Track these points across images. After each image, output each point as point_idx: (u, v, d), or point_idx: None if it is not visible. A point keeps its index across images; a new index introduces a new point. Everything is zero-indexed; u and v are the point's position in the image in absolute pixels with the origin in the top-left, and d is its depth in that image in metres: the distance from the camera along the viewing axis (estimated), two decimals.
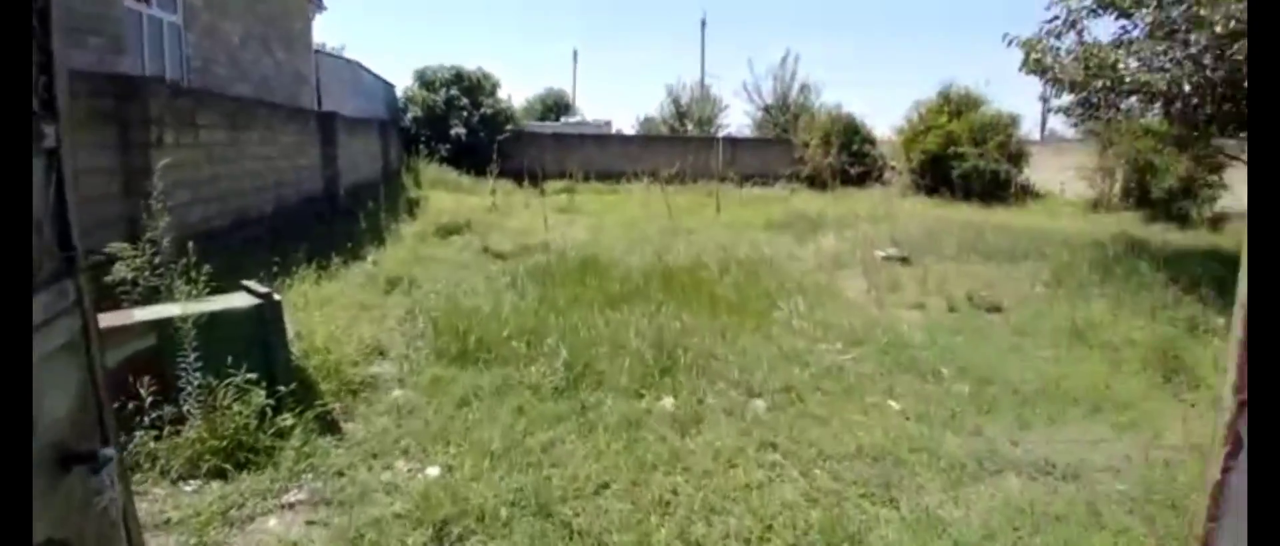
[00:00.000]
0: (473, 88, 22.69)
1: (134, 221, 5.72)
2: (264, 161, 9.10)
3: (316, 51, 17.07)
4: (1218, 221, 13.93)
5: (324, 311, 4.97)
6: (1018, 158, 18.87)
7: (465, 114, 22.08)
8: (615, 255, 8.83)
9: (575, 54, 41.59)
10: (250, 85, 11.46)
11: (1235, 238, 12.37)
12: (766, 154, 25.29)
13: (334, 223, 9.32)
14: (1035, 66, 9.03)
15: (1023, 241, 10.43)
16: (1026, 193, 19.19)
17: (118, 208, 5.53)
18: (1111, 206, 16.23)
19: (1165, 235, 12.18)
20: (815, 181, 23.11)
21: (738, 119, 32.12)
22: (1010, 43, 9.18)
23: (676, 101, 31.99)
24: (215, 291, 3.74)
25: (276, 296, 3.38)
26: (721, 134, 30.88)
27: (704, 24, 34.66)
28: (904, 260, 8.97)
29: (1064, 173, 19.63)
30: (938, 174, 19.52)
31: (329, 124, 12.26)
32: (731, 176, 21.04)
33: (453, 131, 21.69)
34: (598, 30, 67.49)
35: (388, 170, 17.89)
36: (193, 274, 3.51)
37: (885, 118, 39.98)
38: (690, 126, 31.73)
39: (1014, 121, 19.18)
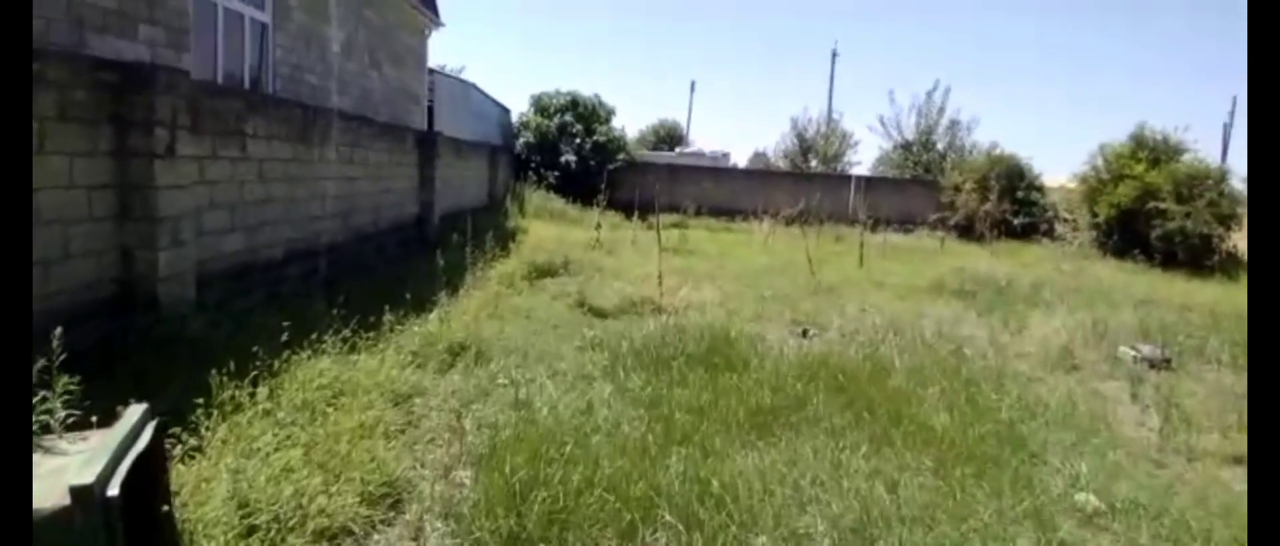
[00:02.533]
0: (587, 114, 21.57)
1: (128, 253, 4.34)
2: (343, 182, 7.86)
3: (431, 71, 16.42)
4: None
5: (327, 422, 3.24)
6: (1227, 219, 15.04)
7: (577, 141, 20.94)
8: (747, 323, 6.79)
9: (692, 85, 40.25)
10: (350, 99, 10.50)
11: None
12: (907, 196, 22.40)
13: (416, 255, 7.89)
14: None
15: None
16: (1234, 261, 15.28)
17: (106, 234, 4.17)
18: None
19: None
20: (968, 231, 19.94)
21: (868, 155, 29.28)
22: None
23: (801, 136, 29.63)
24: (129, 398, 2.10)
25: (112, 491, 1.59)
26: (852, 172, 28.24)
27: (835, 55, 32.20)
28: (1163, 364, 6.28)
29: None
30: (1130, 232, 16.00)
31: (429, 144, 11.11)
32: (864, 219, 18.48)
33: (563, 158, 20.57)
34: (718, 60, 66.13)
35: (494, 196, 16.85)
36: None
37: (1049, 162, 35.28)
38: (814, 162, 29.24)
39: (1224, 175, 15.36)
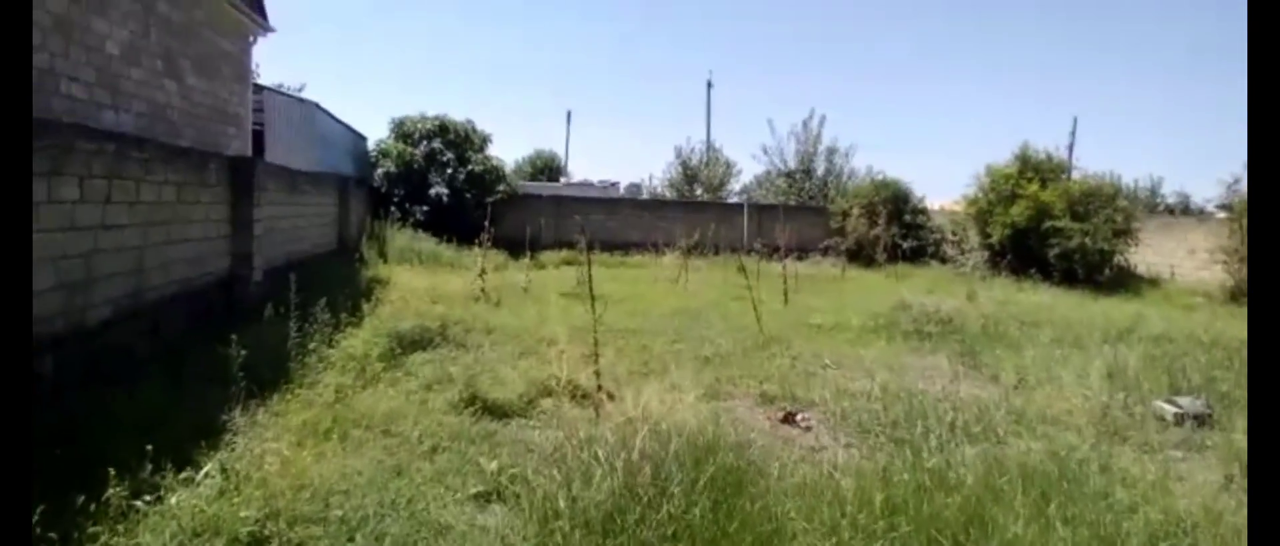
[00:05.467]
0: (459, 141, 19.06)
1: None
2: (86, 233, 5.15)
3: (261, 87, 13.42)
4: None
5: None
6: (1123, 234, 15.45)
7: (449, 171, 18.36)
8: (706, 404, 4.90)
9: (569, 115, 38.76)
10: (131, 115, 7.65)
11: None
12: (799, 223, 21.76)
13: (216, 334, 5.23)
14: None
15: None
16: (1131, 277, 15.74)
17: None
18: None
19: None
20: (858, 256, 19.60)
21: (748, 181, 28.93)
22: None
23: (686, 164, 28.71)
24: None
25: None
26: (734, 199, 27.66)
27: (711, 85, 31.89)
28: (1205, 419, 5.12)
29: (1174, 254, 16.27)
30: (1025, 251, 16.04)
31: (245, 174, 8.37)
32: (759, 248, 17.53)
33: (433, 191, 17.90)
34: (593, 89, 65.14)
35: (346, 239, 13.94)
36: None
37: (928, 186, 36.89)
38: (700, 191, 28.41)
39: (1118, 192, 15.83)
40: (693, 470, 3.18)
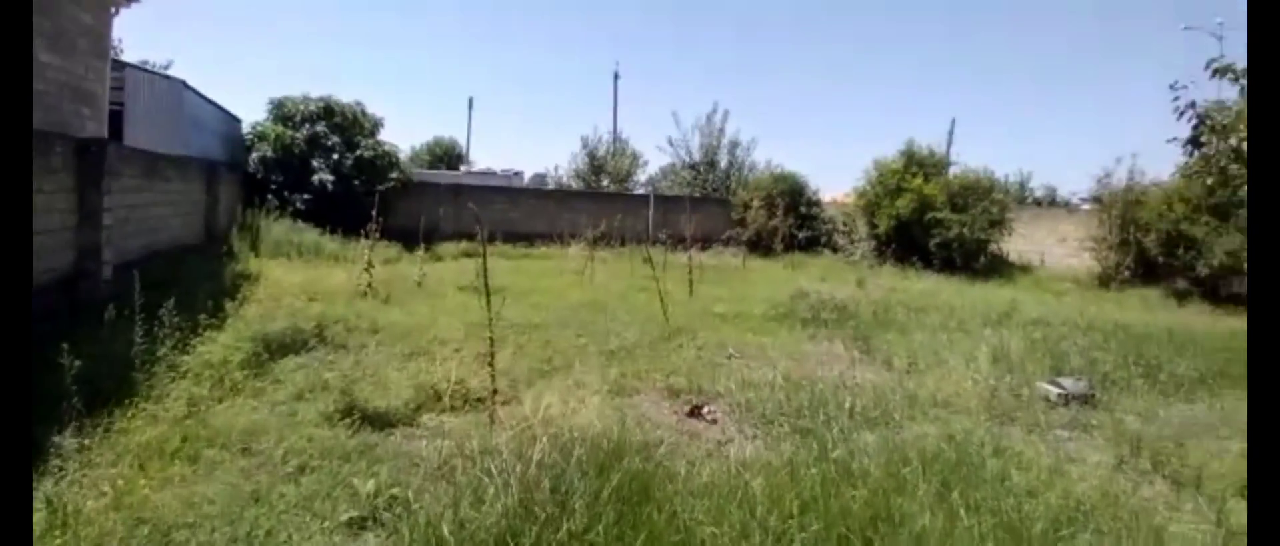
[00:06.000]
0: (346, 125, 17.75)
1: None
2: None
3: (121, 63, 11.86)
4: None
5: None
6: (998, 224, 16.65)
7: (335, 156, 17.07)
8: (610, 401, 4.69)
9: (471, 102, 37.39)
10: None
11: None
12: (703, 215, 22.00)
13: (54, 341, 4.39)
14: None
15: (1162, 344, 7.37)
16: (1005, 264, 17.01)
17: None
18: (1125, 282, 14.05)
19: None
20: (758, 246, 20.12)
21: (654, 173, 29.01)
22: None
23: (593, 155, 28.37)
24: None
25: None
26: (641, 191, 27.67)
27: (617, 77, 31.69)
28: (1088, 399, 5.46)
29: (1043, 242, 17.71)
30: (908, 241, 16.99)
31: (94, 157, 7.30)
32: (665, 239, 17.61)
33: (316, 179, 16.58)
34: (497, 78, 63.07)
35: (214, 229, 12.64)
36: None
37: (821, 179, 38.39)
38: (607, 182, 28.20)
39: (994, 186, 17.02)
40: (597, 479, 2.94)
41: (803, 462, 3.46)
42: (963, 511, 3.15)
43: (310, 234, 13.67)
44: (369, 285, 8.65)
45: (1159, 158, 52.13)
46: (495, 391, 4.42)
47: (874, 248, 18.24)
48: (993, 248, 16.81)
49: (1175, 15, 33.30)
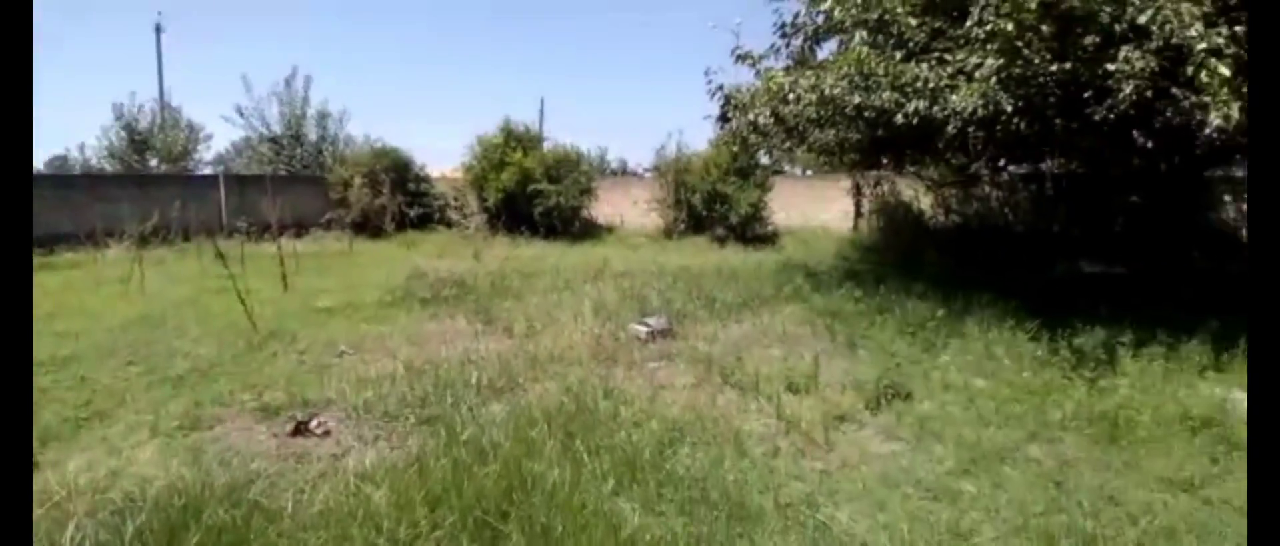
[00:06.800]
0: None
1: None
2: None
3: None
4: (775, 237, 16.07)
5: None
6: (586, 192, 18.64)
7: None
8: (164, 440, 3.75)
9: None
10: None
11: (808, 245, 14.21)
12: (294, 196, 19.34)
13: None
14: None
15: (713, 279, 9.22)
16: (595, 227, 19.22)
17: None
18: (681, 233, 17.21)
19: (769, 254, 12.90)
20: (366, 227, 18.83)
21: (224, 149, 24.40)
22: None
23: (131, 128, 22.35)
24: None
25: None
26: (208, 171, 23.07)
27: (160, 30, 25.35)
28: (669, 332, 6.47)
29: (621, 205, 20.43)
30: (515, 212, 17.90)
31: None
32: (244, 228, 15.08)
33: None
34: None
35: None
36: None
37: (429, 154, 37.06)
38: (155, 162, 22.64)
39: (581, 158, 18.92)
40: None
41: (432, 454, 3.28)
42: (586, 456, 3.40)
43: None
44: None
45: (700, 131, 65.06)
46: None
47: (486, 220, 18.68)
48: (585, 213, 18.79)
49: (710, 14, 41.71)
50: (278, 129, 23.14)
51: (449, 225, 20.09)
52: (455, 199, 20.97)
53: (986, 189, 13.02)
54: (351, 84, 51.55)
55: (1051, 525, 2.96)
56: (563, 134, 49.42)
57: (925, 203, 13.51)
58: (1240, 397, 4.38)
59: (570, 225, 17.83)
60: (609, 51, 59.98)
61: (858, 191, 16.27)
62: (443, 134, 55.20)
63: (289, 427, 4.16)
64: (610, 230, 19.20)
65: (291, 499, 2.96)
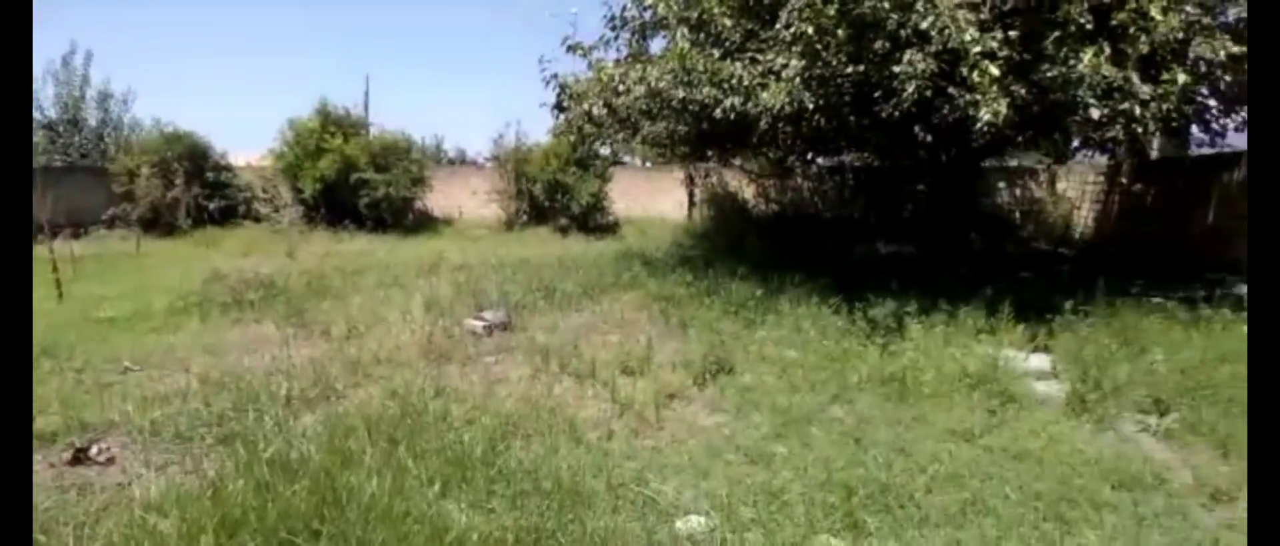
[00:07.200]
0: None
1: None
2: None
3: None
4: (617, 227, 16.35)
5: None
6: (419, 182, 17.69)
7: None
8: None
9: None
10: None
11: (646, 234, 14.57)
12: (69, 190, 16.24)
13: None
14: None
15: (554, 270, 9.19)
16: (430, 218, 18.32)
17: None
18: (524, 225, 16.93)
19: (610, 244, 13.10)
20: (156, 224, 16.52)
21: None
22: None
23: None
24: None
25: None
26: None
27: None
28: (506, 326, 6.34)
29: (459, 196, 19.63)
30: (337, 203, 16.55)
31: None
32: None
33: None
34: None
35: None
36: None
37: (230, 141, 32.64)
38: None
39: (411, 146, 17.86)
40: None
41: (230, 476, 2.96)
42: (410, 462, 3.24)
43: None
44: None
45: (539, 121, 64.22)
46: None
47: (302, 213, 17.09)
48: (418, 204, 17.85)
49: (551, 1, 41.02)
50: (53, 114, 19.56)
51: (257, 219, 18.13)
52: (264, 190, 18.87)
53: (799, 180, 14.27)
54: (141, 61, 44.32)
55: (851, 477, 3.30)
56: (393, 119, 46.42)
57: (748, 192, 14.49)
58: (1010, 354, 5.15)
59: (402, 217, 16.85)
60: (443, 35, 57.07)
61: (691, 182, 17.02)
62: (245, 116, 49.05)
63: (67, 455, 3.57)
64: (448, 222, 18.40)
65: (71, 534, 2.55)
